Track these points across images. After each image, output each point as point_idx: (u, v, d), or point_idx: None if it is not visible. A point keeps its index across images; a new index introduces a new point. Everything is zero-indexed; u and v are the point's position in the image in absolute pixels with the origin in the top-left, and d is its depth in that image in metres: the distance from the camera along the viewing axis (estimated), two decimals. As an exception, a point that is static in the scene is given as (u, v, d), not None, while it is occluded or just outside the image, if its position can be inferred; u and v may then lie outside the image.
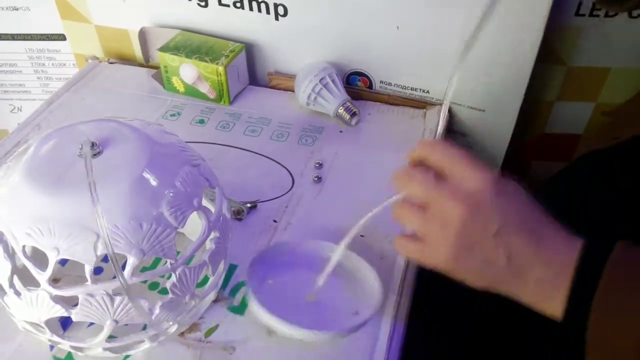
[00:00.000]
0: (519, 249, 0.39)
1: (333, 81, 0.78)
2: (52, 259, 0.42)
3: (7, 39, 0.96)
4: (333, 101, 0.77)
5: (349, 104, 0.78)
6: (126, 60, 0.94)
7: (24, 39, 0.96)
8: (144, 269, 0.56)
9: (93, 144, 0.45)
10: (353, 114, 0.77)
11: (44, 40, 0.96)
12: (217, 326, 0.54)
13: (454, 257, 0.40)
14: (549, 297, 0.38)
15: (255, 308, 0.50)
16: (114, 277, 0.44)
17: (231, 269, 0.59)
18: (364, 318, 0.51)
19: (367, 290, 0.53)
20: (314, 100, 0.78)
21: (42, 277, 0.43)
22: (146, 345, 0.51)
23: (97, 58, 0.93)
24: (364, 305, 0.52)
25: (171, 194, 0.46)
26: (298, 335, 0.48)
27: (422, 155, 0.44)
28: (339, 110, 0.77)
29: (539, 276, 0.39)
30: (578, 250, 0.38)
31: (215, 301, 0.56)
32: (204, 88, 0.82)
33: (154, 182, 0.45)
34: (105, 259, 0.59)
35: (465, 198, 0.39)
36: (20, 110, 1.06)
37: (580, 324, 0.37)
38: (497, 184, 0.40)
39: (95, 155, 0.45)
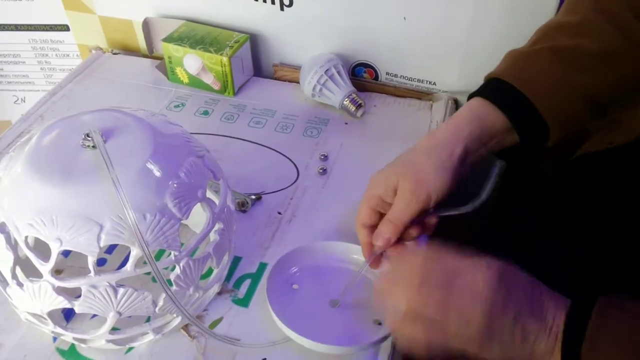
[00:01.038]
0: (531, 327, 0.42)
1: (338, 72, 0.77)
2: (55, 250, 0.41)
3: (11, 30, 0.96)
4: (338, 93, 0.77)
5: (354, 95, 0.77)
6: (130, 50, 0.93)
7: (28, 30, 0.96)
8: (147, 261, 0.56)
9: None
10: (358, 106, 0.77)
11: (47, 30, 0.96)
12: (221, 318, 0.53)
13: (478, 346, 0.43)
14: None
15: (275, 319, 0.50)
16: (118, 269, 0.44)
17: (235, 261, 0.58)
18: (387, 330, 0.50)
19: None
20: (319, 91, 0.78)
21: (45, 268, 0.43)
22: (150, 337, 0.50)
23: (101, 49, 0.92)
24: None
25: (175, 185, 0.45)
26: (319, 349, 0.48)
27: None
28: (345, 102, 0.77)
29: (545, 348, 0.42)
30: (565, 316, 0.42)
31: (220, 293, 0.55)
32: (208, 79, 0.81)
33: (157, 173, 0.45)
34: (108, 250, 0.59)
35: (482, 295, 0.42)
36: (24, 101, 1.06)
37: None
38: (503, 275, 0.43)
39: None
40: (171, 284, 0.46)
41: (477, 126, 0.53)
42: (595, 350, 0.40)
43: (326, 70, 0.77)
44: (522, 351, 0.43)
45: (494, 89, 0.54)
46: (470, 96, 0.55)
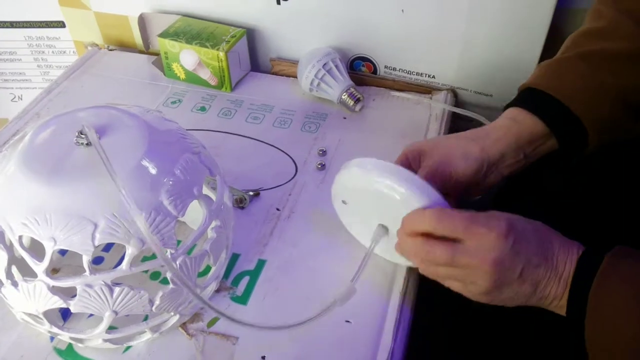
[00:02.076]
0: (541, 276, 0.44)
1: (336, 66, 0.77)
2: (49, 249, 0.41)
3: (6, 27, 0.95)
4: (336, 87, 0.76)
5: (352, 89, 0.76)
6: (126, 47, 0.92)
7: (23, 27, 0.95)
8: (145, 259, 0.55)
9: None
10: (357, 100, 0.76)
11: (43, 27, 0.95)
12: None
13: (487, 297, 0.46)
14: (563, 306, 0.44)
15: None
16: (114, 267, 0.43)
17: (234, 258, 0.58)
18: None
19: None
20: (317, 86, 0.77)
21: (39, 267, 0.42)
22: (147, 336, 0.50)
23: (97, 45, 0.92)
24: None
25: (171, 182, 0.44)
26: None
27: (429, 228, 0.46)
28: (343, 96, 0.76)
29: (556, 293, 0.44)
30: (576, 262, 0.44)
31: (218, 291, 0.55)
32: (205, 74, 0.80)
33: (152, 170, 0.44)
34: (105, 248, 0.59)
35: (488, 260, 0.44)
36: (21, 99, 1.05)
37: (581, 329, 0.42)
38: (509, 234, 0.44)
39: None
40: (167, 283, 0.46)
41: (514, 131, 0.54)
42: (602, 294, 0.41)
43: (324, 65, 0.76)
44: (531, 297, 0.45)
45: (527, 97, 0.56)
46: (505, 108, 0.57)
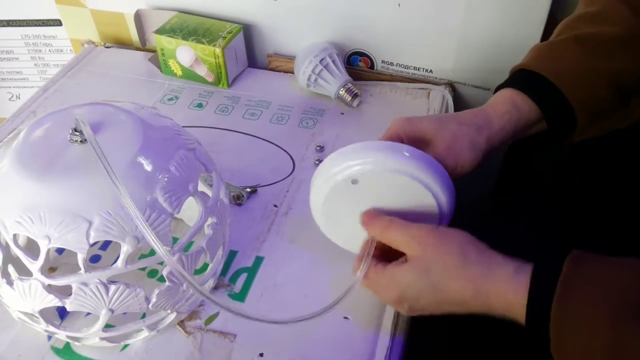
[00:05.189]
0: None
1: (333, 62, 0.76)
2: (43, 247, 0.40)
3: (3, 26, 0.95)
4: (334, 82, 0.76)
5: (350, 85, 0.76)
6: (122, 44, 0.92)
7: (20, 25, 0.95)
8: (142, 256, 0.55)
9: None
10: (354, 95, 0.75)
11: (39, 26, 0.95)
12: (217, 314, 0.53)
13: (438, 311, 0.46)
14: (516, 305, 0.41)
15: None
16: (111, 265, 0.43)
17: (231, 255, 0.58)
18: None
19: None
20: (314, 81, 0.76)
21: (34, 266, 0.42)
22: (145, 334, 0.50)
23: (93, 42, 0.91)
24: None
25: (165, 179, 0.44)
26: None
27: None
28: (340, 92, 0.75)
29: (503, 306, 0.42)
30: (530, 273, 0.41)
31: (215, 288, 0.55)
32: (202, 71, 0.80)
33: (147, 167, 0.44)
34: (102, 247, 0.59)
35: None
36: (19, 98, 1.05)
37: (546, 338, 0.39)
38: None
39: (86, 139, 0.44)
40: (164, 280, 0.45)
41: (515, 119, 0.53)
42: (567, 306, 0.38)
43: (321, 60, 0.76)
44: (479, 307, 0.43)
45: (520, 78, 0.55)
46: (498, 88, 0.55)
